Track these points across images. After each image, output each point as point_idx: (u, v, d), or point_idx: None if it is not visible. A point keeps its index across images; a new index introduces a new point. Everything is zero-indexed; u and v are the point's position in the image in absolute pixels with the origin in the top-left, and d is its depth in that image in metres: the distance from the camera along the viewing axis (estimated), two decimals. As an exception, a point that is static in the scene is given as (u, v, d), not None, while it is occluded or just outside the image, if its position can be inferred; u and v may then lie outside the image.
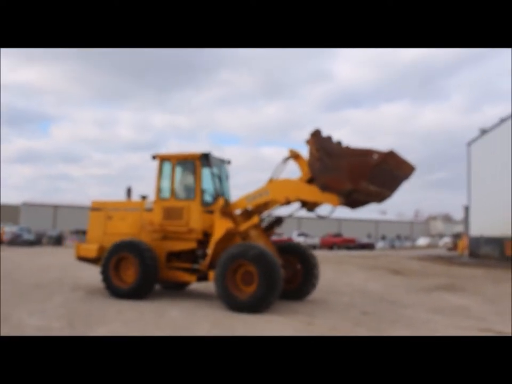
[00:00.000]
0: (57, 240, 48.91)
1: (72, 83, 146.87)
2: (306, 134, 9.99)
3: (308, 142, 9.73)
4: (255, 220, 10.65)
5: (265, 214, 11.22)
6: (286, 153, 10.80)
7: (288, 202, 10.44)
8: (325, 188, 9.50)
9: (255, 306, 9.47)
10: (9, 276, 15.27)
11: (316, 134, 9.69)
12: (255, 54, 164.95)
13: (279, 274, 9.59)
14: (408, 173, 9.78)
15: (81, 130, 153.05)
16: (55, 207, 70.15)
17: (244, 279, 9.83)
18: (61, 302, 10.40)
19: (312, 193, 10.07)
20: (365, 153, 9.03)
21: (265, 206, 10.90)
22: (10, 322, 8.14)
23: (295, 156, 10.69)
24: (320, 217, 11.05)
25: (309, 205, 10.64)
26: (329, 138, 9.95)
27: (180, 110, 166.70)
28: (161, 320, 8.71)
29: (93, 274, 15.82)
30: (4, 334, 7.24)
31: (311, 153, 9.69)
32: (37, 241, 45.83)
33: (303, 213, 11.56)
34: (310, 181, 10.13)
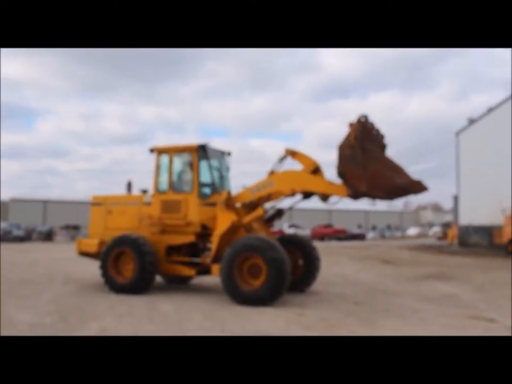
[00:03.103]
0: (48, 236, 48.61)
1: (55, 76, 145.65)
2: (294, 125, 9.92)
3: (351, 125, 9.36)
4: (259, 211, 10.60)
5: (268, 205, 11.20)
6: (281, 151, 10.71)
7: (293, 194, 10.40)
8: (341, 176, 9.44)
9: (264, 299, 9.44)
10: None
11: (362, 121, 9.33)
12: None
13: (287, 267, 9.57)
14: (419, 191, 9.46)
15: (67, 124, 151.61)
16: (44, 203, 69.71)
17: (250, 272, 9.78)
18: (52, 298, 10.36)
19: (319, 184, 10.09)
20: (396, 170, 9.00)
21: (268, 197, 10.83)
22: (1, 318, 8.09)
23: (291, 153, 10.64)
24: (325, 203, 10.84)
25: (322, 196, 10.45)
26: (372, 128, 9.57)
27: (167, 102, 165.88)
28: (153, 314, 8.70)
29: (84, 269, 15.82)
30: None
31: (348, 138, 9.33)
32: (27, 237, 45.55)
33: (295, 204, 11.58)
34: (314, 172, 10.17)
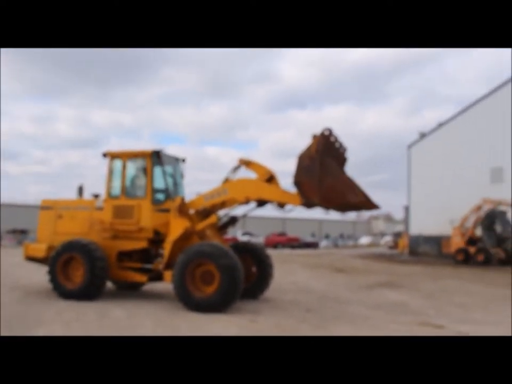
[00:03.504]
0: (-7, 240, 46.95)
1: (7, 78, 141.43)
2: (250, 134, 9.95)
3: (314, 137, 9.33)
4: (213, 218, 10.57)
5: (221, 213, 11.16)
6: (236, 160, 10.73)
7: (247, 202, 10.43)
8: (296, 185, 9.48)
9: (216, 305, 9.38)
10: None
11: (325, 135, 9.31)
12: (199, 52, 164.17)
13: (240, 274, 9.55)
14: (369, 209, 9.81)
15: (18, 126, 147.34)
16: (-9, 206, 67.32)
17: (203, 279, 9.71)
18: (-3, 304, 9.99)
19: (273, 192, 10.14)
20: (350, 188, 9.06)
21: (222, 205, 10.82)
22: None
23: (245, 163, 10.68)
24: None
25: (278, 203, 10.45)
26: (335, 141, 9.63)
27: (122, 108, 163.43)
28: (104, 320, 8.52)
29: (32, 274, 15.34)
30: None
31: (309, 149, 9.32)
32: (-30, 242, 43.87)
33: (249, 212, 11.61)
34: (268, 180, 10.22)
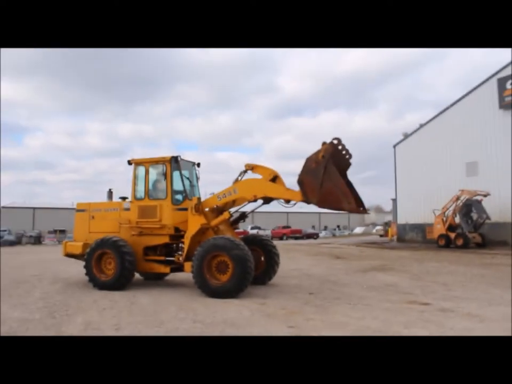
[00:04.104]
0: (37, 240, 47.20)
1: (42, 97, 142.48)
2: (255, 140, 9.91)
3: (323, 144, 9.27)
4: (226, 215, 10.59)
5: (233, 210, 11.13)
6: (243, 164, 10.71)
7: (255, 199, 10.40)
8: (300, 183, 9.46)
9: (230, 292, 9.36)
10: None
11: (333, 144, 9.24)
12: (208, 69, 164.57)
13: (251, 263, 9.53)
14: (360, 213, 10.06)
15: (54, 140, 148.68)
16: (34, 210, 67.76)
17: (218, 268, 9.69)
18: (41, 295, 10.04)
19: (277, 190, 10.13)
20: (346, 196, 9.05)
21: (233, 203, 10.84)
22: (-5, 314, 7.80)
23: (251, 167, 10.66)
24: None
25: (285, 199, 10.35)
26: (342, 150, 9.50)
27: (142, 120, 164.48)
28: (133, 307, 8.53)
29: (70, 269, 15.41)
30: (-13, 326, 6.95)
31: (317, 154, 9.24)
32: (17, 241, 44.10)
33: (257, 208, 11.59)
34: (273, 180, 10.22)
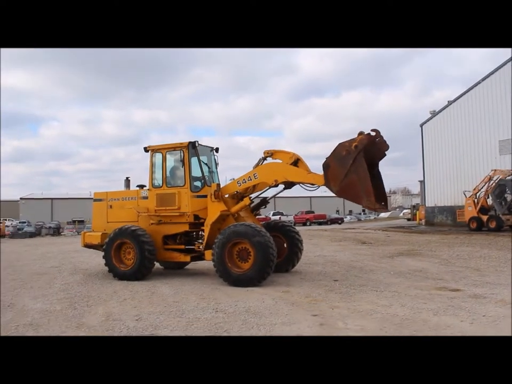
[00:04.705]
0: (56, 231, 48.20)
1: (56, 86, 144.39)
2: (275, 123, 9.83)
3: (359, 134, 9.13)
4: (246, 201, 10.65)
5: (253, 196, 11.17)
6: (265, 148, 10.78)
7: (276, 184, 10.38)
8: (325, 167, 9.39)
9: (253, 280, 9.43)
10: (12, 266, 15.02)
11: (370, 136, 9.11)
12: (224, 51, 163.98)
13: (273, 250, 9.57)
14: (371, 209, 9.94)
15: (69, 129, 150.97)
16: (52, 200, 69.11)
17: (240, 256, 9.76)
18: (62, 287, 10.29)
19: (298, 174, 10.12)
20: (367, 192, 8.96)
21: (254, 188, 10.88)
22: (15, 308, 8.03)
23: (270, 154, 10.67)
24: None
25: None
26: (378, 142, 9.31)
27: (159, 106, 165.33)
28: (154, 297, 8.68)
29: (90, 259, 15.71)
30: (9, 318, 7.15)
31: (351, 142, 9.09)
32: (37, 233, 45.12)
33: (279, 194, 11.58)
34: (295, 163, 10.20)
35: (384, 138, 9.25)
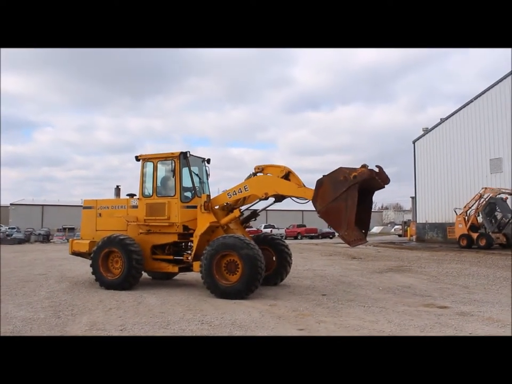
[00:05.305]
0: (45, 238, 47.75)
1: (51, 92, 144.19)
2: (269, 135, 9.83)
3: (362, 166, 9.09)
4: (236, 213, 10.63)
5: (243, 208, 11.13)
6: (259, 159, 10.88)
7: (266, 197, 10.36)
8: (318, 183, 9.29)
9: (240, 292, 9.38)
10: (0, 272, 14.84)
11: (371, 172, 9.09)
12: (220, 61, 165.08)
13: (261, 263, 9.52)
14: (345, 242, 9.60)
15: (63, 135, 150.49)
16: (42, 207, 68.63)
17: (228, 268, 9.70)
18: (47, 295, 10.16)
19: (288, 188, 10.11)
20: (349, 225, 8.91)
21: (244, 200, 10.85)
22: (-2, 315, 7.91)
23: (261, 169, 10.65)
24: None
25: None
26: (378, 178, 9.32)
27: (153, 115, 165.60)
28: (140, 307, 8.58)
29: (78, 267, 15.57)
30: (-9, 326, 7.04)
31: (351, 171, 9.02)
32: (26, 239, 44.65)
33: (271, 206, 11.54)
34: (286, 177, 10.22)
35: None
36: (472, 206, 27.42)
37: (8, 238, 42.68)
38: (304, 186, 10.06)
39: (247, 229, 11.81)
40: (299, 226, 56.82)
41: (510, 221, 26.02)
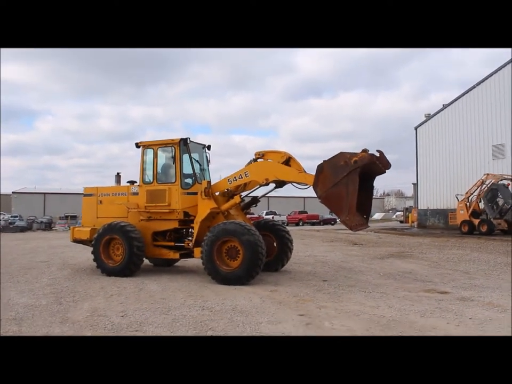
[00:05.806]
0: (47, 225, 47.89)
1: (53, 80, 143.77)
2: (271, 122, 9.76)
3: (363, 151, 8.98)
4: (236, 199, 10.63)
5: (244, 194, 11.13)
6: (260, 146, 10.81)
7: (267, 183, 10.34)
8: (318, 169, 9.20)
9: (241, 278, 9.39)
10: (1, 260, 14.89)
11: (372, 156, 8.98)
12: (222, 49, 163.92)
13: (262, 248, 9.53)
14: (347, 227, 9.49)
15: (64, 123, 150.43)
16: (44, 195, 68.77)
17: (229, 254, 9.71)
18: (49, 281, 10.20)
19: (289, 173, 10.08)
20: (350, 210, 8.83)
21: (245, 187, 10.83)
22: (1, 302, 7.93)
23: (261, 155, 10.60)
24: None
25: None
26: (379, 163, 9.19)
27: (155, 103, 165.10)
28: (141, 293, 8.62)
29: (80, 255, 15.62)
30: (-7, 312, 7.07)
31: (351, 155, 8.92)
32: (28, 227, 44.78)
33: (272, 193, 11.53)
34: (286, 162, 10.17)
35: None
36: (474, 192, 27.36)
37: (11, 226, 42.78)
38: (305, 171, 10.02)
39: (249, 216, 11.78)
40: (301, 212, 56.86)
41: (512, 207, 26.00)
